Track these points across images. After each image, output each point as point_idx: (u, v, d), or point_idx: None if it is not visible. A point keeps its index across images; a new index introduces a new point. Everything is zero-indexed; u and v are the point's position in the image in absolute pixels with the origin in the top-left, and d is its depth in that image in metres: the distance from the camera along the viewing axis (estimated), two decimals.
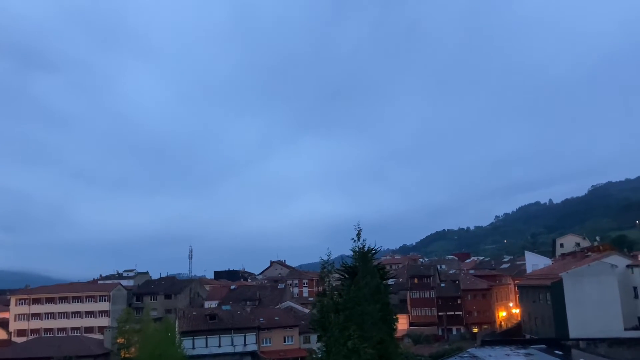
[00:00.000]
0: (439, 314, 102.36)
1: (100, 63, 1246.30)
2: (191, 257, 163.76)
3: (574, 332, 65.02)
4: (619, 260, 71.34)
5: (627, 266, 70.28)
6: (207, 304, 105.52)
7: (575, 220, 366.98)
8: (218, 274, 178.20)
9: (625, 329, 64.50)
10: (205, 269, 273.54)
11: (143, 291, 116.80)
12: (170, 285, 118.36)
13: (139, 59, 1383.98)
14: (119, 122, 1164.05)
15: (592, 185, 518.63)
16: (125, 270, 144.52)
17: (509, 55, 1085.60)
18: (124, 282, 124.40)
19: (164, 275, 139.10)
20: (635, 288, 67.81)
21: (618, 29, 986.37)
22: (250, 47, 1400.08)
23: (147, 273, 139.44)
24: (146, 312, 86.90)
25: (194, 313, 79.53)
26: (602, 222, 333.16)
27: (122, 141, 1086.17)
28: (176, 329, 72.04)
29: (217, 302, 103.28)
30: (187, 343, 68.20)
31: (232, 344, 73.42)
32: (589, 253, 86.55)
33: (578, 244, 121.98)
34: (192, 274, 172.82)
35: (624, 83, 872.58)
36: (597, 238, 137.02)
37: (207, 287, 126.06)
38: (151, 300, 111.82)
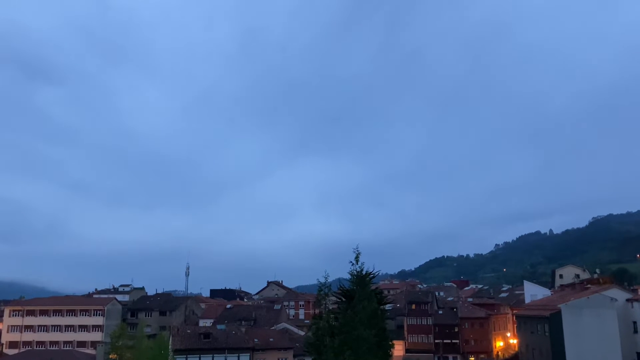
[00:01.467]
0: (436, 341, 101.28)
1: (104, 76, 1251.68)
2: (188, 274, 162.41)
3: None
4: (619, 294, 70.78)
5: (627, 300, 69.68)
6: (202, 322, 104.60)
7: (575, 251, 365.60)
8: (214, 293, 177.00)
9: None
10: (201, 287, 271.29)
11: (138, 307, 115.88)
12: (166, 302, 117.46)
13: (143, 74, 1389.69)
14: (121, 136, 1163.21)
15: (593, 217, 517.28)
16: (121, 285, 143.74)
17: (510, 84, 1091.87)
18: (119, 297, 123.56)
19: (159, 291, 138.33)
20: (634, 323, 67.16)
21: (619, 61, 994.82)
22: (254, 67, 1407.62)
23: (142, 289, 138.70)
24: (140, 328, 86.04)
25: (189, 331, 78.70)
26: (602, 254, 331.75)
27: (123, 155, 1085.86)
28: (170, 347, 71.31)
29: (212, 320, 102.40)
30: None
31: None
32: (589, 285, 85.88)
33: (577, 276, 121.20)
34: (188, 292, 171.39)
35: (626, 115, 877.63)
36: (597, 270, 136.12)
37: (203, 305, 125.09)
38: (146, 316, 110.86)
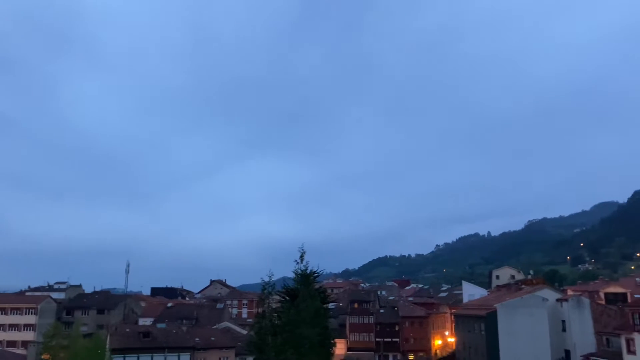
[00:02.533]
0: (377, 339, 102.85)
1: (48, 67, 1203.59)
2: (128, 272, 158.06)
3: None
4: (550, 294, 74.23)
5: (557, 300, 73.16)
6: (141, 321, 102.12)
7: (512, 253, 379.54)
8: (155, 291, 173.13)
9: None
10: (142, 285, 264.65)
11: (74, 305, 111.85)
12: (104, 300, 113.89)
13: (90, 66, 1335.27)
14: (61, 129, 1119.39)
15: (529, 221, 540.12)
16: (57, 283, 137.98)
17: (456, 90, 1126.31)
18: (55, 295, 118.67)
19: (98, 289, 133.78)
20: (563, 321, 70.57)
21: (558, 72, 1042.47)
22: (205, 64, 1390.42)
23: (80, 286, 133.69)
24: (76, 327, 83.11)
25: (127, 330, 76.73)
26: (536, 256, 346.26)
27: (63, 148, 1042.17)
28: (107, 346, 69.29)
29: (152, 319, 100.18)
30: None
31: None
32: (523, 286, 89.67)
33: (513, 277, 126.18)
34: (128, 290, 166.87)
35: (562, 126, 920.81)
36: (531, 271, 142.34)
37: (143, 304, 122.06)
38: (83, 314, 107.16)
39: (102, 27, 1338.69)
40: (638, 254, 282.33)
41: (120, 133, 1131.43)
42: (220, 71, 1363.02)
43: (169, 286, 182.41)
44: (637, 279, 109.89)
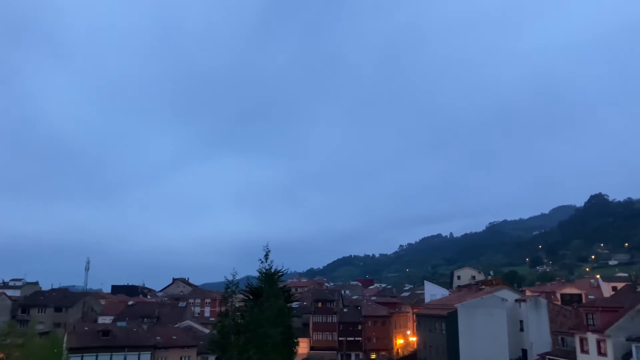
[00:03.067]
0: (340, 339, 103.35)
1: (5, 56, 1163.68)
2: (88, 269, 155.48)
3: None
4: (509, 295, 76.02)
5: (516, 300, 74.95)
6: (101, 320, 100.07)
7: (473, 254, 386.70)
8: (116, 289, 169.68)
9: None
10: (102, 283, 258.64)
11: (30, 303, 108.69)
12: (62, 298, 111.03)
13: (47, 58, 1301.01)
14: (17, 120, 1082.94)
15: (490, 223, 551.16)
16: (12, 280, 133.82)
17: (421, 93, 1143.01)
18: (10, 292, 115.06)
19: (56, 286, 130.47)
20: (521, 321, 72.38)
21: (520, 78, 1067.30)
22: (170, 59, 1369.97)
23: (36, 283, 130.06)
24: (32, 326, 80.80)
25: (86, 328, 75.02)
26: (496, 257, 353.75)
27: (20, 142, 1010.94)
28: (64, 345, 67.60)
29: (112, 317, 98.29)
30: None
31: None
32: (483, 286, 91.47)
33: (474, 277, 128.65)
34: (88, 287, 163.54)
35: (522, 130, 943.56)
36: (491, 272, 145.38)
37: (103, 302, 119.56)
38: (39, 312, 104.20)
39: (65, 19, 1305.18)
40: (593, 257, 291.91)
41: (80, 127, 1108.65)
42: (185, 67, 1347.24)
43: (130, 284, 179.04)
44: (592, 280, 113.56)
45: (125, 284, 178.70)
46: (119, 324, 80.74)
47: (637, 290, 54.71)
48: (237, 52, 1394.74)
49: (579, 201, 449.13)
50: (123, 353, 69.52)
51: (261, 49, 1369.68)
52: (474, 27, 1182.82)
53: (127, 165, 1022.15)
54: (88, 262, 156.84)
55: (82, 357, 66.92)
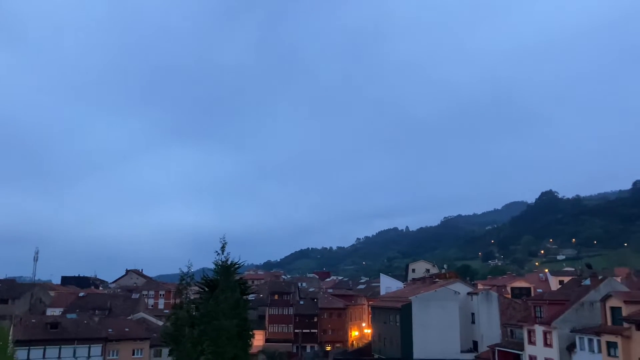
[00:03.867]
0: (296, 331, 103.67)
1: None
2: (36, 259, 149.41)
3: (418, 353, 69.44)
4: (462, 288, 77.81)
5: (468, 294, 76.76)
6: (50, 311, 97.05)
7: (427, 247, 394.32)
8: (66, 280, 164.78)
9: (462, 352, 70.24)
10: (52, 274, 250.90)
11: None
12: (8, 289, 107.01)
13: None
14: None
15: (445, 217, 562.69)
16: None
17: (378, 89, 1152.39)
18: None
19: (1, 277, 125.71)
20: (473, 314, 74.18)
21: (473, 80, 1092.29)
22: (127, 47, 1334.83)
23: None
24: None
25: (33, 320, 72.66)
26: (450, 251, 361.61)
27: None
28: (10, 338, 65.29)
29: (62, 309, 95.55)
30: (21, 354, 61.83)
31: (74, 355, 67.97)
32: (437, 279, 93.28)
33: (428, 270, 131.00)
34: (37, 278, 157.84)
35: (476, 129, 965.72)
36: (445, 266, 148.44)
37: (53, 293, 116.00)
38: None
39: (20, 3, 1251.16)
40: (542, 251, 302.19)
41: (30, 111, 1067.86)
42: (144, 56, 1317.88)
43: (81, 275, 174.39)
44: (541, 274, 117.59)
45: (76, 275, 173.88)
46: (68, 316, 78.56)
47: (582, 284, 56.93)
48: (196, 42, 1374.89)
49: (530, 198, 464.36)
50: (72, 346, 67.72)
51: (221, 41, 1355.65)
52: (431, 27, 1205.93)
53: (79, 153, 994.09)
54: (37, 252, 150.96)
55: (29, 350, 64.90)
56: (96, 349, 69.25)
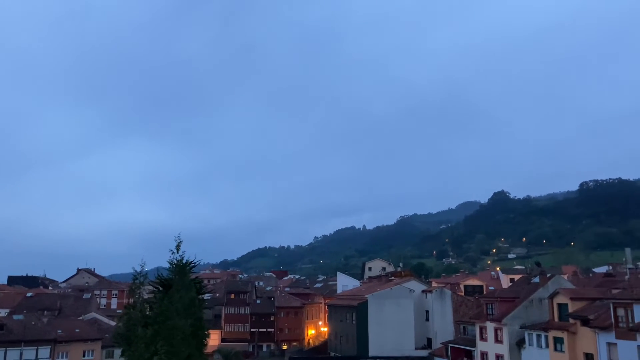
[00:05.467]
0: (252, 330, 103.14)
1: None
2: None
3: (373, 350, 70.25)
4: (417, 286, 79.14)
5: (423, 291, 78.15)
6: None
7: (384, 246, 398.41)
8: (13, 279, 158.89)
9: (416, 348, 71.50)
10: None
11: None
12: None
13: None
14: None
15: (401, 216, 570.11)
16: None
17: (334, 88, 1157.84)
18: None
19: None
20: (427, 311, 75.57)
21: (428, 80, 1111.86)
22: (78, 37, 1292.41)
23: None
24: None
25: None
26: (405, 249, 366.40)
27: None
28: None
29: (7, 310, 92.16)
30: None
31: (21, 358, 65.75)
32: (393, 277, 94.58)
33: (384, 269, 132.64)
34: None
35: (431, 129, 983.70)
36: (400, 264, 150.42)
37: None
38: None
39: None
40: (494, 250, 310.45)
41: None
42: (93, 47, 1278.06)
43: (29, 274, 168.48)
44: (493, 273, 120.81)
45: (24, 274, 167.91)
46: (15, 317, 75.80)
47: (532, 281, 58.82)
48: (153, 35, 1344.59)
49: (484, 198, 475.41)
50: (19, 348, 65.42)
51: (175, 34, 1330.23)
52: (388, 25, 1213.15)
53: (26, 146, 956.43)
54: None
55: None
56: (44, 351, 67.10)
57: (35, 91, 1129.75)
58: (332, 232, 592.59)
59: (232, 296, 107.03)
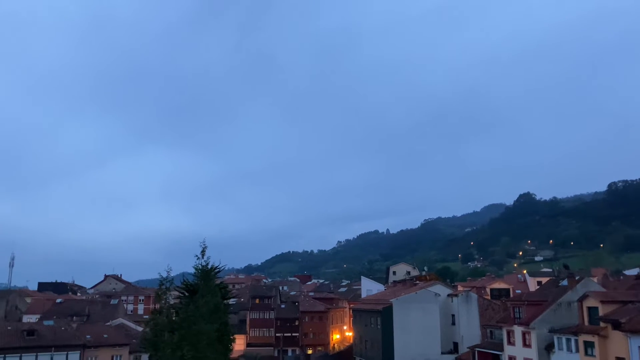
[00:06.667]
0: (277, 335, 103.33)
1: None
2: (12, 265, 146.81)
3: (399, 355, 69.69)
4: (442, 290, 78.33)
5: (448, 295, 77.31)
6: (26, 318, 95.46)
7: (408, 250, 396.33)
8: (43, 286, 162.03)
9: (442, 353, 70.67)
10: (28, 280, 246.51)
11: None
12: None
13: None
14: None
15: (425, 219, 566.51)
16: None
17: (354, 93, 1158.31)
18: None
19: None
20: (453, 315, 74.72)
21: (448, 83, 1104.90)
22: (98, 50, 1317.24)
23: None
24: None
25: (9, 328, 71.27)
26: (430, 253, 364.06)
27: None
28: None
29: (38, 316, 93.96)
30: None
31: None
32: (417, 282, 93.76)
33: (408, 273, 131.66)
34: (12, 285, 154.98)
35: (453, 131, 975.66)
36: (425, 268, 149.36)
37: (29, 300, 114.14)
38: None
39: None
40: (520, 253, 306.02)
41: (3, 115, 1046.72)
42: (113, 58, 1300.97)
43: (58, 281, 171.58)
44: (519, 275, 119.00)
45: (54, 280, 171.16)
46: (45, 322, 77.23)
47: (560, 284, 57.73)
48: (169, 46, 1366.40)
49: (509, 200, 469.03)
50: (49, 353, 66.55)
51: (194, 44, 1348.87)
52: (405, 32, 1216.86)
53: (50, 158, 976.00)
54: (12, 258, 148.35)
55: (4, 358, 63.60)
56: (74, 356, 68.13)
57: (60, 105, 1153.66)
58: (356, 237, 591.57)
59: (257, 301, 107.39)
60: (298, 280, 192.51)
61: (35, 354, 65.66)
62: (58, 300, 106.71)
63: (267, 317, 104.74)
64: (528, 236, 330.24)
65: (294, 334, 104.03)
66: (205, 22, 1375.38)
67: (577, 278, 55.82)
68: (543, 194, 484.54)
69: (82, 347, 69.05)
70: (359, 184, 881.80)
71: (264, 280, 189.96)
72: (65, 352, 67.64)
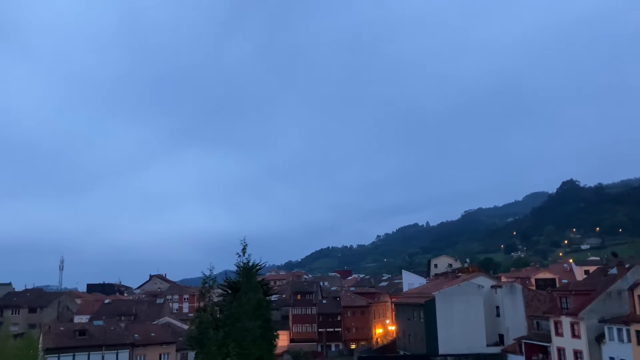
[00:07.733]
0: (319, 330, 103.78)
1: None
2: (62, 268, 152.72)
3: (443, 348, 69.04)
4: (485, 281, 77.13)
5: (492, 287, 76.08)
6: (77, 319, 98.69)
7: (449, 242, 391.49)
8: (91, 287, 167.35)
9: (488, 345, 69.64)
10: (77, 282, 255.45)
11: (3, 304, 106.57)
12: (36, 298, 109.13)
13: (11, 50, 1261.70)
14: None
15: (465, 211, 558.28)
16: None
17: (388, 87, 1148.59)
18: None
19: (30, 287, 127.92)
20: (497, 307, 73.50)
21: (482, 72, 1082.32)
22: (136, 54, 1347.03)
23: (9, 284, 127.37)
24: (6, 327, 79.30)
25: (62, 328, 73.84)
26: (472, 245, 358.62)
27: None
28: (40, 346, 66.43)
29: (88, 316, 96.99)
30: None
31: None
32: (460, 274, 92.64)
33: (450, 265, 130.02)
34: (63, 287, 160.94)
35: (491, 120, 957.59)
36: (467, 260, 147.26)
37: (79, 301, 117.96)
38: (13, 314, 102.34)
39: (28, 10, 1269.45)
40: (566, 241, 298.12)
41: (45, 121, 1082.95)
42: (153, 60, 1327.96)
43: (106, 282, 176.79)
44: (565, 265, 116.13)
45: (101, 282, 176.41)
46: (95, 322, 79.65)
47: (608, 273, 56.04)
48: (204, 46, 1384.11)
49: (551, 188, 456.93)
50: (100, 352, 68.67)
51: (228, 43, 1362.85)
52: (437, 22, 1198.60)
53: (94, 161, 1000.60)
54: (62, 261, 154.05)
55: (58, 357, 65.92)
56: (124, 355, 70.10)
57: (100, 110, 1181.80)
58: (395, 230, 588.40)
59: (299, 297, 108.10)
60: (338, 275, 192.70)
61: (87, 353, 67.85)
62: (106, 301, 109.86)
63: (309, 313, 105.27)
64: (573, 224, 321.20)
65: (336, 329, 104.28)
66: (235, 21, 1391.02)
67: (627, 266, 54.04)
68: (587, 180, 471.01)
69: (131, 345, 70.95)
70: (395, 177, 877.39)
71: (305, 276, 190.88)
72: (116, 351, 69.67)
